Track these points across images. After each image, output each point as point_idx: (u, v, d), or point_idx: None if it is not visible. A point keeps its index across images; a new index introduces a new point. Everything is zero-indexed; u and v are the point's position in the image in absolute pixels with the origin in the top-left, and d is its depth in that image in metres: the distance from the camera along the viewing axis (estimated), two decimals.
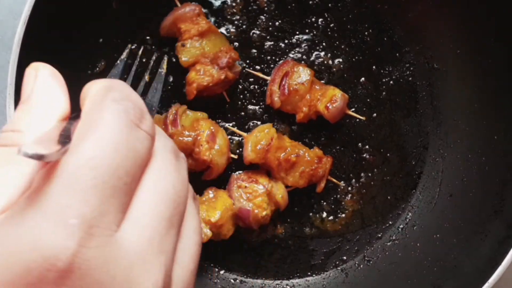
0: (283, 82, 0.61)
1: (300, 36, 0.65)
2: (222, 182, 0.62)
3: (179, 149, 0.34)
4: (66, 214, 0.24)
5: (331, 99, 0.61)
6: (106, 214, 0.25)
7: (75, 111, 0.30)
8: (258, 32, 0.64)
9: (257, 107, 0.64)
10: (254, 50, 0.64)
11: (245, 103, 0.64)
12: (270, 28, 0.64)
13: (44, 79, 0.31)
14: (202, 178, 0.60)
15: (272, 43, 0.64)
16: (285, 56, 0.64)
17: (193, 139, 0.58)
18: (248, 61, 0.64)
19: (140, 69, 0.56)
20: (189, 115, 0.60)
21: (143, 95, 0.45)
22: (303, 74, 0.61)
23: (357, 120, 0.64)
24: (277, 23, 0.64)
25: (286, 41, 0.65)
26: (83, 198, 0.24)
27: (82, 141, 0.25)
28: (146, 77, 0.53)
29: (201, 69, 0.59)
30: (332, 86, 0.62)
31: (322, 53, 0.65)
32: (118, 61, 0.50)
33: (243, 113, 0.64)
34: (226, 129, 0.63)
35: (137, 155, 0.27)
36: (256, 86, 0.64)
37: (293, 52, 0.65)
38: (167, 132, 0.58)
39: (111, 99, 0.28)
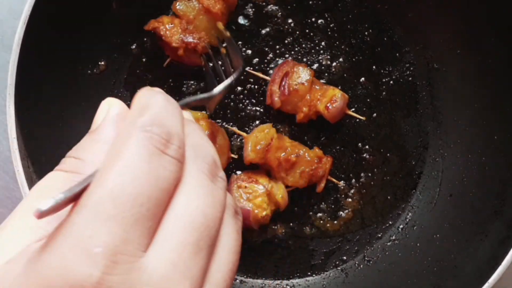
0: (283, 82, 0.61)
1: (300, 36, 0.65)
2: None
3: None
4: (90, 244, 0.25)
5: (331, 99, 0.61)
6: (130, 241, 0.26)
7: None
8: (258, 32, 0.64)
9: (257, 107, 0.64)
10: (254, 50, 0.64)
11: (245, 103, 0.64)
12: (270, 29, 0.64)
13: (113, 117, 0.32)
14: None
15: (272, 43, 0.64)
16: (285, 56, 0.64)
17: None
18: (248, 61, 0.64)
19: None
20: None
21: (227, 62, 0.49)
22: (303, 74, 0.61)
23: (357, 120, 0.64)
24: (277, 23, 0.64)
25: (286, 41, 0.65)
26: (105, 227, 0.25)
27: (105, 172, 0.27)
28: (222, 50, 0.54)
29: (175, 26, 0.59)
30: (332, 86, 0.62)
31: (322, 53, 0.65)
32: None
33: (243, 113, 0.64)
34: (226, 129, 0.63)
35: (160, 181, 0.27)
36: (256, 86, 0.64)
37: (293, 52, 0.65)
38: None
39: (139, 126, 0.28)
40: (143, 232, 0.26)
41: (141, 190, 0.26)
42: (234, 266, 0.31)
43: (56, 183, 0.30)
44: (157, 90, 0.31)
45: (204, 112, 0.62)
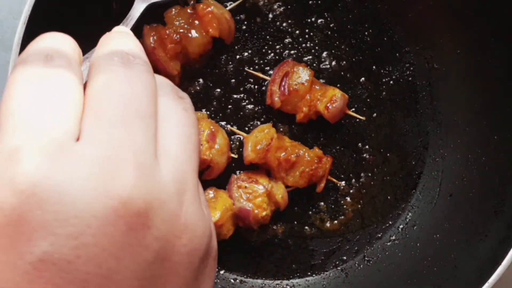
0: (283, 82, 0.61)
1: (300, 36, 0.65)
2: (222, 182, 0.62)
3: None
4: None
5: (331, 99, 0.61)
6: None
7: None
8: (258, 32, 0.64)
9: (257, 107, 0.64)
10: (254, 50, 0.64)
11: (245, 103, 0.64)
12: (270, 28, 0.64)
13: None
14: (203, 177, 0.60)
15: (272, 43, 0.64)
16: (285, 56, 0.64)
17: None
18: (248, 61, 0.64)
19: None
20: None
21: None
22: (303, 74, 0.61)
23: (357, 120, 0.64)
24: (277, 23, 0.65)
25: (286, 41, 0.65)
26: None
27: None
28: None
29: (172, 31, 0.59)
30: (332, 86, 0.62)
31: (322, 53, 0.65)
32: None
33: (243, 113, 0.64)
34: (226, 129, 0.63)
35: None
36: (256, 86, 0.64)
37: (293, 52, 0.65)
38: None
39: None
40: (152, 138, 0.28)
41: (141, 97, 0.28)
42: (190, 137, 0.31)
43: None
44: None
45: (204, 112, 0.62)
